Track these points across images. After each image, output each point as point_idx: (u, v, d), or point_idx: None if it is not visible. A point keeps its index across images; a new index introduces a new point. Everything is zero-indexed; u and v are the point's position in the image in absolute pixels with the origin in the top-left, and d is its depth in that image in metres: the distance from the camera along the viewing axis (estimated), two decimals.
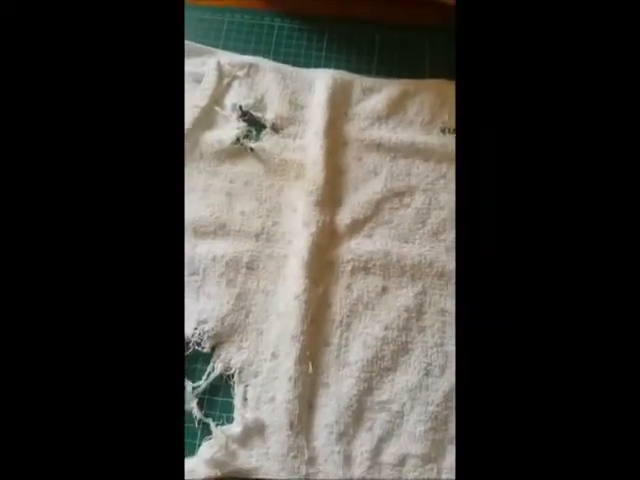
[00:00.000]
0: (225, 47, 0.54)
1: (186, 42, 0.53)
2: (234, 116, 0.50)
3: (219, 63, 0.51)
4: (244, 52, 0.53)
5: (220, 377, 0.40)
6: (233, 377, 0.40)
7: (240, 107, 0.50)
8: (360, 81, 0.52)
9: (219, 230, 0.45)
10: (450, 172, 0.48)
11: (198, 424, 0.38)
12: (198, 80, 0.51)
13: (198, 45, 0.53)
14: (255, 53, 0.53)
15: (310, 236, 0.44)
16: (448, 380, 0.40)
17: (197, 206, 0.46)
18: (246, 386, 0.40)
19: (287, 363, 0.40)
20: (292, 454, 0.37)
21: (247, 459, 0.37)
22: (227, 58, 0.52)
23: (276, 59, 0.53)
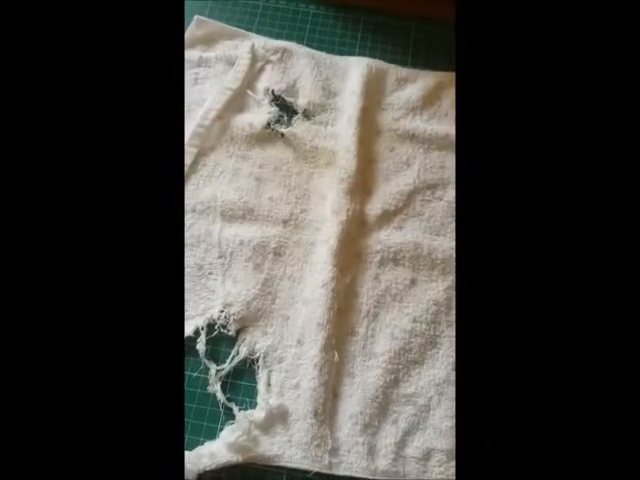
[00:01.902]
0: (259, 31, 0.53)
1: (220, 24, 0.52)
2: (266, 100, 0.49)
3: (253, 46, 0.51)
4: (278, 37, 0.53)
5: (244, 361, 0.39)
6: (257, 362, 0.40)
7: (272, 91, 0.49)
8: (395, 71, 0.51)
9: (247, 215, 0.45)
10: None
11: (221, 407, 0.38)
12: (231, 62, 0.51)
13: (232, 28, 0.52)
14: (289, 39, 0.53)
15: (340, 224, 0.43)
16: None
17: (226, 189, 0.45)
18: (270, 371, 0.39)
19: (313, 350, 0.39)
20: (315, 443, 0.37)
21: (269, 446, 0.37)
22: (261, 42, 0.52)
23: (310, 46, 0.52)
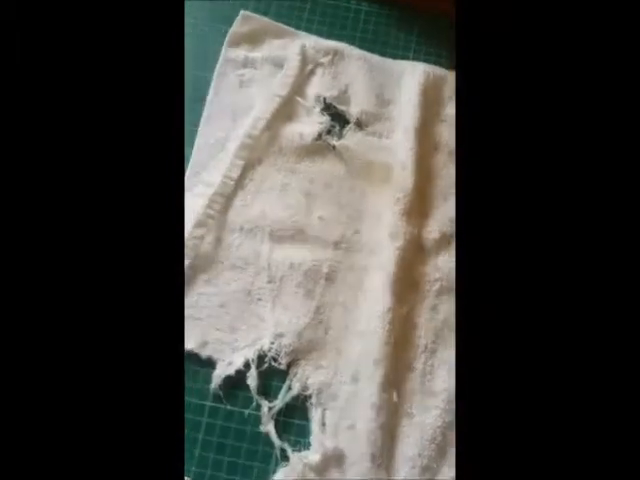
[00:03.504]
0: (307, 29, 0.49)
1: (267, 20, 0.49)
2: (316, 108, 0.46)
3: (303, 47, 0.47)
4: (328, 37, 0.49)
5: (297, 397, 0.37)
6: (310, 398, 0.37)
7: (324, 99, 0.46)
8: (454, 79, 0.47)
9: (297, 235, 0.42)
10: None
11: (274, 448, 0.36)
12: (278, 64, 0.47)
13: (280, 25, 0.48)
14: (339, 38, 0.49)
15: (397, 250, 0.40)
16: None
17: (274, 207, 0.43)
18: (324, 409, 0.37)
19: (369, 389, 0.37)
20: None
21: None
22: (311, 42, 0.48)
23: (361, 46, 0.48)
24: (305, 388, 0.38)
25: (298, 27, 0.49)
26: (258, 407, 0.37)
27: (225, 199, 0.42)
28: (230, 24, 0.48)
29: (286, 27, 0.49)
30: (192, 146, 0.44)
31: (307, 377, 0.38)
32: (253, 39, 0.48)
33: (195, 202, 0.42)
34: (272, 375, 0.38)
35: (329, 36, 0.49)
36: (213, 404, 0.37)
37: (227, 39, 0.48)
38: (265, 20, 0.49)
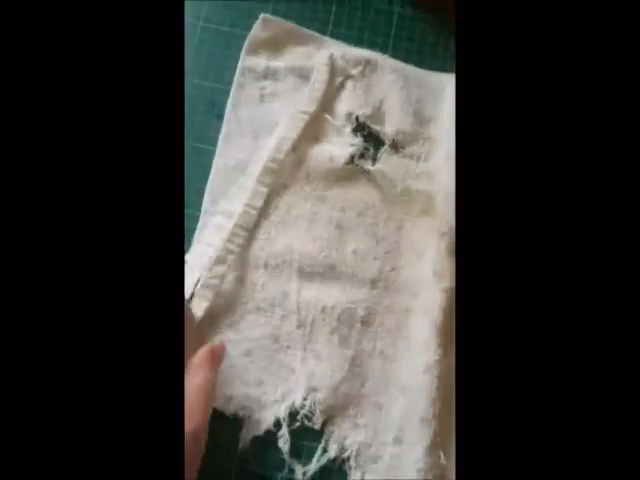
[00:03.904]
0: (334, 35, 0.44)
1: (289, 25, 0.43)
2: (347, 128, 0.41)
3: (331, 57, 0.42)
4: (357, 43, 0.44)
5: (333, 460, 0.34)
6: (349, 461, 0.34)
7: (356, 118, 0.41)
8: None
9: (328, 272, 0.38)
10: None
11: None
12: (304, 76, 0.42)
13: (303, 30, 0.43)
14: (371, 46, 0.44)
15: (444, 292, 0.36)
16: None
17: (302, 239, 0.38)
18: (364, 473, 0.34)
19: (415, 452, 0.33)
20: None
21: None
22: (339, 50, 0.43)
23: (395, 55, 0.44)
24: (342, 449, 0.34)
25: (323, 32, 0.44)
26: (291, 471, 0.33)
27: (247, 232, 0.38)
28: (248, 29, 0.43)
29: (310, 32, 0.44)
30: (209, 168, 0.40)
31: (344, 437, 0.34)
32: (274, 46, 0.43)
33: (214, 235, 0.37)
34: (305, 434, 0.34)
35: (358, 42, 0.44)
36: (241, 466, 0.33)
37: (245, 46, 0.43)
38: (287, 24, 0.43)
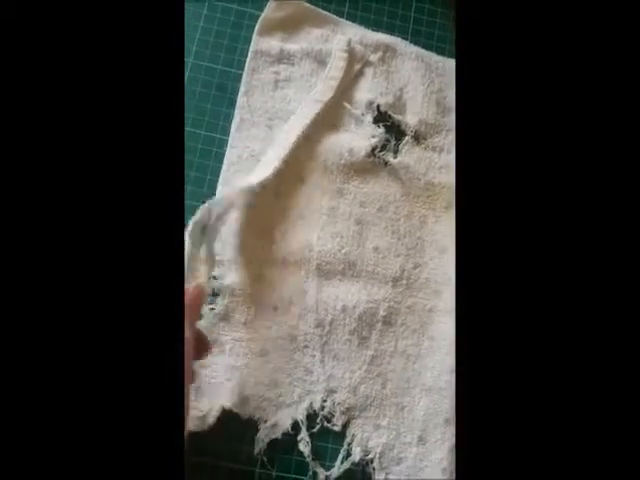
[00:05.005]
0: (350, 17, 0.42)
1: (304, 4, 0.41)
2: (368, 117, 0.39)
3: (349, 43, 0.40)
4: (375, 27, 0.42)
5: (357, 462, 0.33)
6: (372, 462, 0.33)
7: (377, 107, 0.39)
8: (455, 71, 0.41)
9: (348, 270, 0.36)
10: None
11: None
12: (320, 60, 0.40)
13: (320, 11, 0.41)
14: (389, 30, 0.42)
15: None
16: None
17: (321, 235, 0.37)
18: (387, 474, 0.33)
19: (439, 451, 0.33)
20: None
21: None
22: (357, 34, 0.41)
23: (416, 42, 0.42)
24: (366, 452, 0.33)
25: (339, 13, 0.42)
26: (315, 474, 0.33)
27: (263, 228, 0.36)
28: (260, 9, 0.40)
29: (326, 13, 0.41)
30: (221, 159, 0.38)
31: (367, 439, 0.34)
32: (288, 27, 0.41)
33: (228, 230, 0.36)
34: (326, 435, 0.33)
35: (376, 25, 0.42)
36: (262, 471, 0.32)
37: (258, 27, 0.40)
38: (302, 4, 0.41)
